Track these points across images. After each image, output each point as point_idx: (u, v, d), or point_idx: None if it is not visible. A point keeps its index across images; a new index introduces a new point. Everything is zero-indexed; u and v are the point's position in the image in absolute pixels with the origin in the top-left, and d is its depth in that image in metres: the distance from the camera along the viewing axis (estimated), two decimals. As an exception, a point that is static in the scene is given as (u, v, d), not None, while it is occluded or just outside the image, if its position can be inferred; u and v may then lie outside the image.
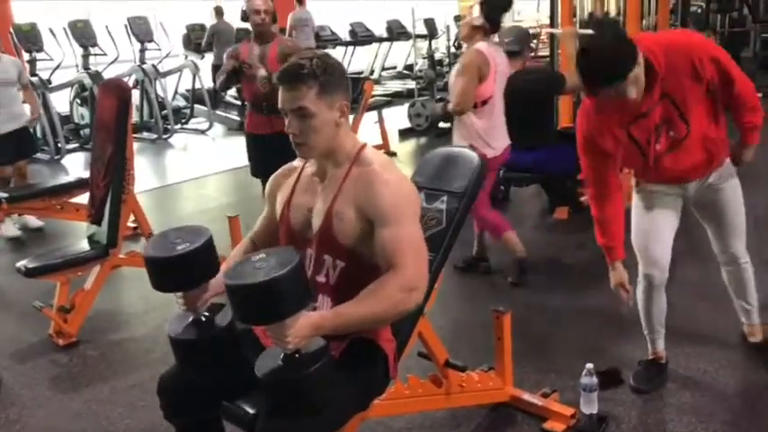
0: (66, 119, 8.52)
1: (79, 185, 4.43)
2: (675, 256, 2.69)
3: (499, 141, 3.58)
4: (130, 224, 4.07)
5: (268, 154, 3.52)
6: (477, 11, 3.47)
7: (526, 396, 2.52)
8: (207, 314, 1.83)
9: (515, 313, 2.50)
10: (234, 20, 9.01)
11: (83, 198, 4.43)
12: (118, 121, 3.29)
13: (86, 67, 8.22)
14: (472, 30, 3.47)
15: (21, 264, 3.26)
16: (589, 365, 2.38)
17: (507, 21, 13.30)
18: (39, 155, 6.93)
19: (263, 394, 1.64)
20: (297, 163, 1.92)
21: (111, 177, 3.31)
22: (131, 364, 3.11)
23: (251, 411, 1.72)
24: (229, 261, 1.95)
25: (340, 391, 1.67)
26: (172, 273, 1.76)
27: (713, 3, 9.52)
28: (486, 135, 3.50)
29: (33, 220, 5.16)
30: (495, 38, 3.71)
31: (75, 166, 7.52)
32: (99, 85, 3.54)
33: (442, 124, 7.88)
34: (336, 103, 1.71)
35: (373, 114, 7.31)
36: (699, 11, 9.76)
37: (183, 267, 1.74)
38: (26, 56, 7.86)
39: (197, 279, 1.78)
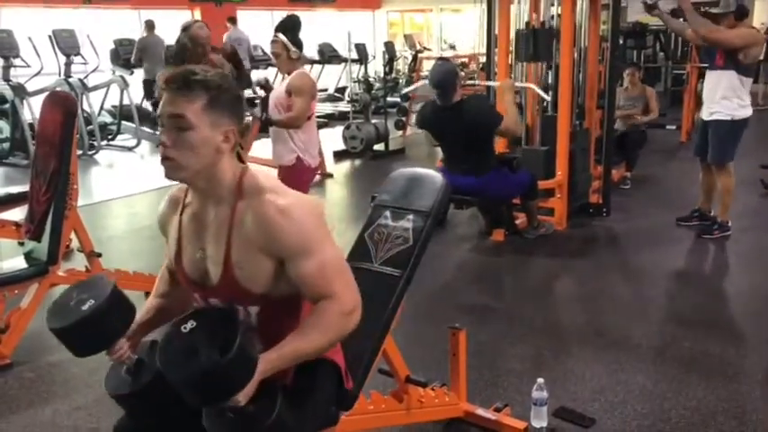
0: (-13, 132, 8.15)
1: (7, 201, 4.25)
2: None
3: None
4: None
5: None
6: (285, 41, 3.87)
7: (480, 411, 2.59)
8: (137, 361, 1.68)
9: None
10: (164, 34, 8.90)
11: (9, 214, 4.27)
12: (63, 134, 3.18)
13: (7, 79, 7.90)
14: (291, 61, 3.90)
15: (-48, 282, 3.10)
16: (540, 380, 2.49)
17: (435, 50, 13.58)
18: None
19: None
20: (177, 192, 1.70)
21: (54, 192, 3.20)
22: (73, 385, 2.99)
23: None
24: (151, 298, 1.82)
25: (304, 418, 1.64)
26: (86, 336, 1.60)
27: (630, 39, 10.07)
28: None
29: None
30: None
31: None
32: (45, 97, 3.42)
33: (376, 147, 7.99)
34: (222, 125, 1.52)
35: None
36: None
37: (95, 327, 1.59)
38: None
39: (114, 333, 1.63)
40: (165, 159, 1.51)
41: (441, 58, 5.24)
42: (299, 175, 3.84)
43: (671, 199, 5.72)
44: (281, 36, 3.89)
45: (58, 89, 8.09)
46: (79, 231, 3.47)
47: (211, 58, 4.58)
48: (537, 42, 4.91)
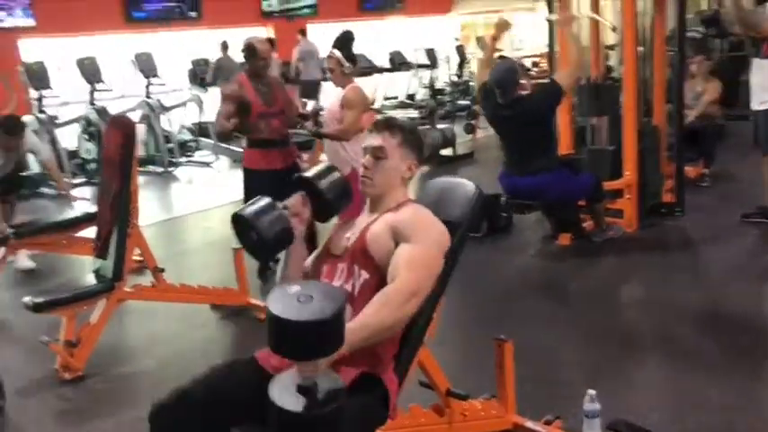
0: (74, 154, 8.64)
1: (85, 220, 4.49)
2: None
3: None
4: (136, 257, 4.11)
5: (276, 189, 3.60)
6: (340, 57, 3.99)
7: (529, 423, 2.51)
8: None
9: (518, 338, 2.51)
10: (237, 54, 9.18)
11: (89, 232, 4.51)
12: (123, 156, 3.35)
13: (93, 103, 8.36)
14: (344, 76, 4.02)
15: (27, 299, 3.29)
16: (591, 391, 2.40)
17: (507, 50, 13.40)
18: (45, 189, 7.02)
19: (277, 425, 1.50)
20: None
21: (117, 212, 3.36)
22: (137, 397, 3.11)
23: None
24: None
25: (347, 426, 1.64)
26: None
27: (712, 28, 9.59)
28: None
29: (25, 261, 5.08)
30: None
31: (83, 202, 7.57)
32: (106, 121, 3.59)
33: (444, 152, 7.95)
34: (408, 159, 2.00)
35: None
36: (698, 36, 9.84)
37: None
38: (34, 93, 8.01)
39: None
40: (364, 178, 1.98)
41: (501, 57, 5.17)
42: (354, 185, 3.87)
43: (753, 196, 5.37)
44: (336, 52, 4.00)
45: (138, 110, 8.57)
46: (143, 248, 3.62)
47: (272, 77, 4.68)
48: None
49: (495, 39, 4.60)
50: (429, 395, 2.36)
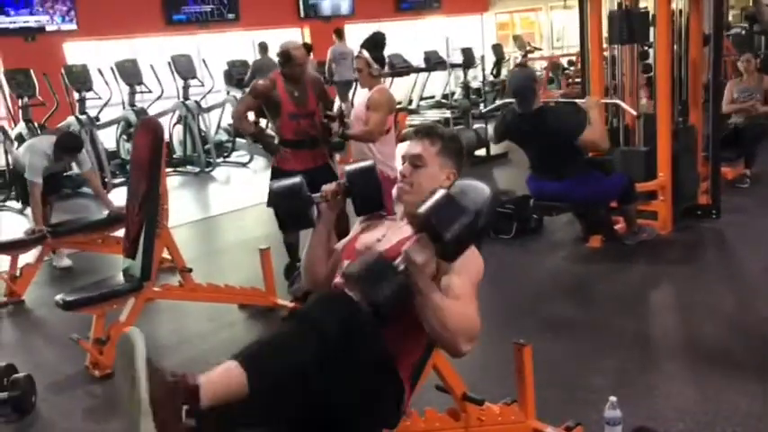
0: (114, 154, 8.84)
1: (120, 220, 4.58)
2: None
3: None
4: (166, 256, 4.19)
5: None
6: (369, 59, 4.00)
7: (549, 430, 2.48)
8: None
9: (542, 342, 2.48)
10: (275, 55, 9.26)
11: (123, 232, 4.60)
12: (152, 158, 3.41)
13: (132, 105, 8.53)
14: (371, 77, 4.03)
15: (59, 297, 3.39)
16: (612, 398, 2.35)
17: (545, 49, 13.23)
18: (85, 189, 7.19)
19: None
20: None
21: (146, 212, 3.43)
22: (163, 395, 3.17)
23: None
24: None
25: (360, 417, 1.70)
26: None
27: (757, 24, 9.31)
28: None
29: (63, 260, 5.23)
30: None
31: (122, 200, 7.74)
32: (137, 123, 3.67)
33: (478, 152, 7.90)
34: (447, 168, 1.99)
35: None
36: (743, 32, 9.57)
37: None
38: (76, 95, 8.22)
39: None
40: (401, 185, 1.96)
41: (518, 65, 5.11)
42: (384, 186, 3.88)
43: (795, 197, 5.23)
44: (365, 53, 4.01)
45: (176, 112, 8.71)
46: (171, 249, 3.69)
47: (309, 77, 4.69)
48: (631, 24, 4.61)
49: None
50: (446, 399, 2.35)
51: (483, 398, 2.30)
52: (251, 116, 4.58)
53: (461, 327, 1.70)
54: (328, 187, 2.06)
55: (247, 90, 4.19)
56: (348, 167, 2.12)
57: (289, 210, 2.05)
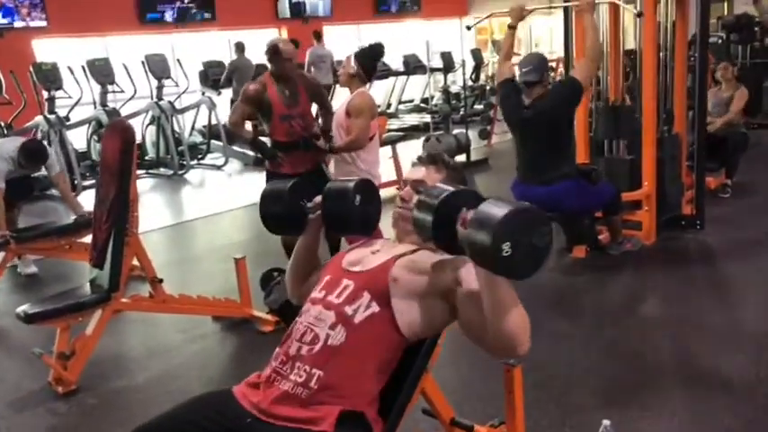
0: (84, 155, 8.59)
1: (88, 225, 4.39)
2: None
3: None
4: (135, 263, 4.00)
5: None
6: (352, 60, 3.92)
7: (539, 455, 2.38)
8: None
9: (528, 358, 2.36)
10: (254, 56, 9.09)
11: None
12: (121, 162, 3.24)
13: (104, 105, 8.29)
14: (350, 77, 3.92)
15: (20, 309, 3.19)
16: (606, 422, 2.24)
17: (524, 51, 13.32)
18: (54, 191, 6.94)
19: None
20: None
21: (114, 220, 3.25)
22: (132, 412, 2.99)
23: None
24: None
25: None
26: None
27: (734, 33, 9.37)
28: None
29: (28, 266, 5.02)
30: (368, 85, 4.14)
31: (92, 203, 7.51)
32: (106, 126, 3.49)
33: (458, 158, 7.80)
34: None
35: (388, 149, 7.24)
36: (719, 41, 9.63)
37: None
38: (45, 94, 7.96)
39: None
40: (400, 209, 1.87)
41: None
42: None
43: (777, 208, 5.21)
44: (353, 57, 3.93)
45: (149, 112, 8.49)
46: (141, 257, 3.51)
47: (303, 74, 4.56)
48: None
49: (512, 28, 4.34)
50: (432, 423, 2.23)
51: (471, 424, 2.18)
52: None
53: (521, 326, 1.63)
54: (317, 199, 1.96)
55: (239, 98, 4.03)
56: (330, 183, 1.99)
57: (274, 214, 1.97)
